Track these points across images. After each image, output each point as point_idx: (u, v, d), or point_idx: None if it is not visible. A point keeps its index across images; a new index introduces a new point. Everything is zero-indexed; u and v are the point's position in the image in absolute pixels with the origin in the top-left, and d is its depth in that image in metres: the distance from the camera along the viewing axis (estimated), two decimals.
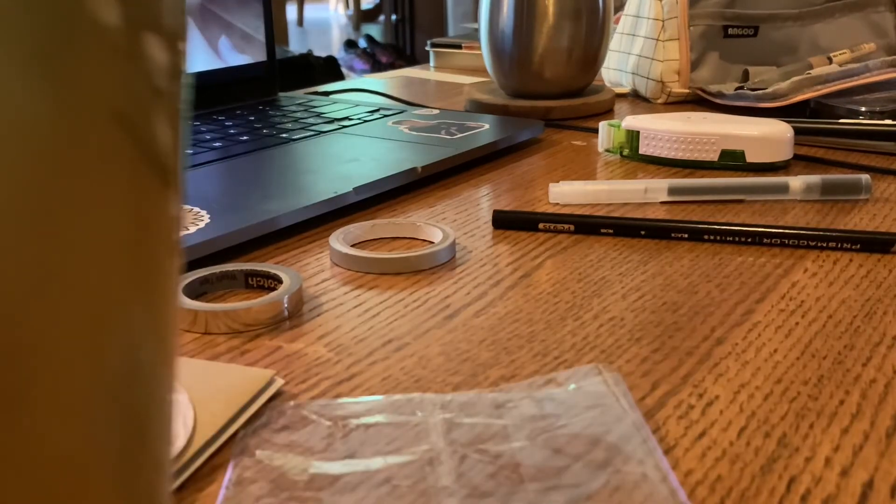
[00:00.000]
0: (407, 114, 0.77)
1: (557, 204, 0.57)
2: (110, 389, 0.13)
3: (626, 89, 0.93)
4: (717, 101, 0.84)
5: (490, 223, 0.53)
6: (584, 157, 0.68)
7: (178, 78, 0.14)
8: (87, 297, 0.12)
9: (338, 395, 0.34)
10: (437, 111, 0.78)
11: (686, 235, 0.50)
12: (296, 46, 4.57)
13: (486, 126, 0.71)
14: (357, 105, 0.81)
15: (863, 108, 0.74)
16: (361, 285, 0.44)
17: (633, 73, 0.90)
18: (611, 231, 0.51)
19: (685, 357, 0.36)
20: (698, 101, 0.87)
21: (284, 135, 0.69)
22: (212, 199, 0.52)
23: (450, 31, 3.70)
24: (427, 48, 1.20)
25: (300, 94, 0.91)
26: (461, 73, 1.12)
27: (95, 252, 0.12)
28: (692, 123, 0.65)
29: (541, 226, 0.51)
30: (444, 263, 0.47)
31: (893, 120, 0.72)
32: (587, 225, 0.51)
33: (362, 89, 0.97)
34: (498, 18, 0.82)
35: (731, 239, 0.49)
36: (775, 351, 0.37)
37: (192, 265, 0.44)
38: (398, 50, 4.09)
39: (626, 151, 0.67)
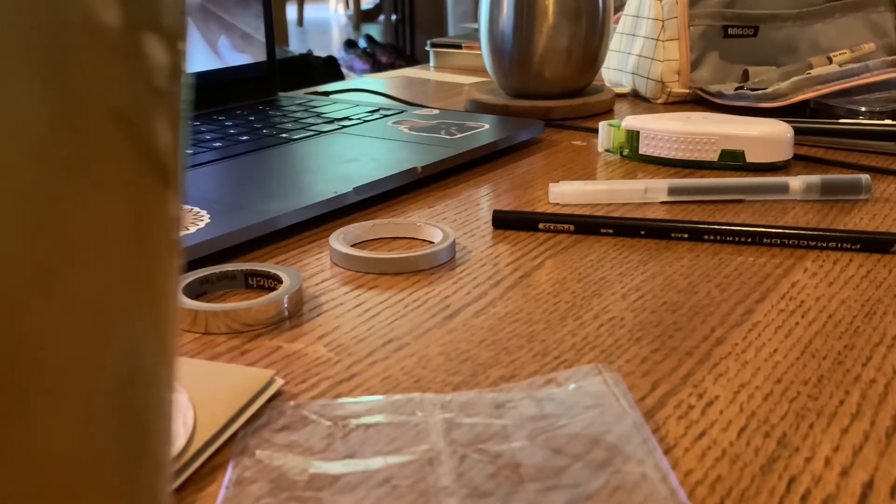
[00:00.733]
0: (407, 114, 0.77)
1: (557, 204, 0.57)
2: (110, 389, 0.13)
3: (626, 89, 0.93)
4: (717, 101, 0.84)
5: (490, 223, 0.53)
6: (584, 157, 0.68)
7: (178, 78, 0.14)
8: (87, 297, 0.12)
9: (338, 395, 0.34)
10: (437, 111, 0.78)
11: (686, 235, 0.50)
12: (296, 46, 4.57)
13: (486, 126, 0.71)
14: (357, 105, 0.81)
15: (863, 108, 0.74)
16: (361, 285, 0.44)
17: (633, 73, 0.90)
18: (611, 231, 0.51)
19: (685, 357, 0.36)
20: (698, 101, 0.87)
21: (284, 135, 0.69)
22: (212, 199, 0.52)
23: (450, 30, 3.70)
24: (427, 48, 1.20)
25: (300, 94, 0.91)
26: (461, 73, 1.12)
27: (95, 252, 0.12)
28: (692, 123, 0.65)
29: (541, 226, 0.51)
30: (444, 263, 0.47)
31: (893, 120, 0.72)
32: (587, 225, 0.51)
33: (362, 89, 0.97)
34: (498, 18, 0.82)
35: (730, 239, 0.49)
36: (775, 351, 0.37)
37: (192, 265, 0.44)
38: (398, 50, 4.09)
39: (626, 151, 0.67)
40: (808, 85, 0.77)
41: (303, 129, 0.71)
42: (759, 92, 0.79)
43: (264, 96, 0.85)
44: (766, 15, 0.89)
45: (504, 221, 0.52)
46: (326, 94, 0.94)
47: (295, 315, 0.41)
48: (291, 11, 5.36)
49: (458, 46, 1.17)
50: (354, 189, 0.54)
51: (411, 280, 0.45)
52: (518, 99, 0.83)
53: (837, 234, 0.48)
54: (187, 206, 0.50)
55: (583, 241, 0.50)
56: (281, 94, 0.87)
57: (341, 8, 6.34)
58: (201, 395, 0.31)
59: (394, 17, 4.39)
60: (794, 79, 0.78)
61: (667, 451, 0.30)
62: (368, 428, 0.31)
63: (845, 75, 0.77)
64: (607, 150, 0.68)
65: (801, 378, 0.34)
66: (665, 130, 0.65)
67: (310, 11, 6.20)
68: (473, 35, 1.23)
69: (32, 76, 0.11)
